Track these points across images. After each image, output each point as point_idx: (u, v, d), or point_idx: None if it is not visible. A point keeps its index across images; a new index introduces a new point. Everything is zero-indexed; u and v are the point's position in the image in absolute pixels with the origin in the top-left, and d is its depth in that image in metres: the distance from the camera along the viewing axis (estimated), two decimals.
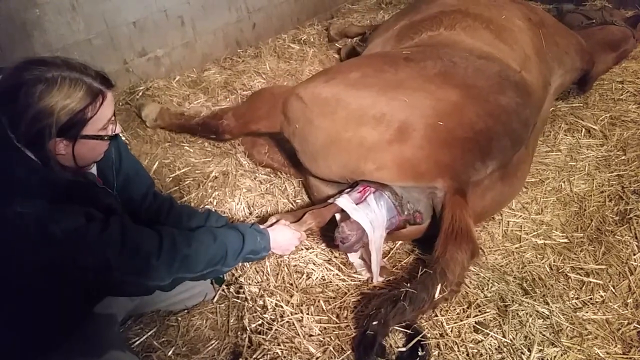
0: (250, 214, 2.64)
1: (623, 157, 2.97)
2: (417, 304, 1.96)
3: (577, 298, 2.21)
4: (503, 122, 2.29)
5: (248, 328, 1.96)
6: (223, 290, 2.15)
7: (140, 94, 3.63)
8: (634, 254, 2.36)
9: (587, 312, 2.15)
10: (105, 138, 1.57)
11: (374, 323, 1.88)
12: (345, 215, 2.21)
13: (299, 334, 1.96)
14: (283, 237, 2.06)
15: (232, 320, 2.04)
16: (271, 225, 2.11)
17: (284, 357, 1.86)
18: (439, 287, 1.97)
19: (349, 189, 2.34)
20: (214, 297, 2.16)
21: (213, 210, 2.22)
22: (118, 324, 1.89)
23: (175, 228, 1.75)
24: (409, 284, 1.97)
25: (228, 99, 3.69)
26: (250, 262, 2.21)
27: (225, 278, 2.20)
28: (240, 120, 2.91)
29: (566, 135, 3.19)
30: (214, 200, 2.66)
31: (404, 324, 2.01)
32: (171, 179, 2.88)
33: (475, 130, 2.22)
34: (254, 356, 1.87)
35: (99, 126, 1.52)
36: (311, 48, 4.41)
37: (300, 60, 4.20)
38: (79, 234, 1.46)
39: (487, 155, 2.27)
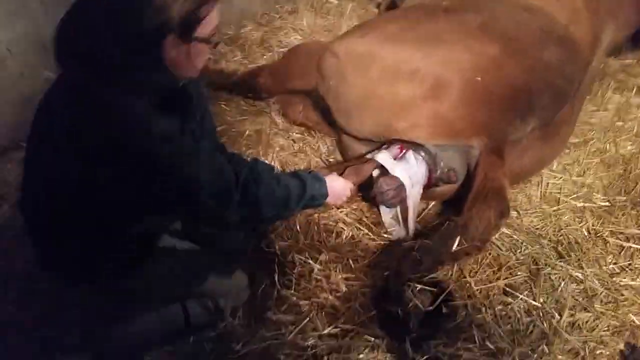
0: (283, 172, 2.66)
1: None
2: (433, 255, 1.95)
3: (614, 263, 2.15)
4: (545, 79, 2.19)
5: (277, 282, 2.01)
6: (255, 245, 2.20)
7: None
8: None
9: (624, 278, 2.10)
10: (214, 42, 1.51)
11: (386, 273, 1.89)
12: (384, 171, 2.19)
13: (325, 290, 2.00)
14: (337, 185, 1.99)
15: (260, 273, 2.09)
16: None
17: (310, 311, 1.90)
18: (457, 239, 1.95)
19: (386, 146, 2.31)
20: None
21: (260, 159, 2.24)
22: None
23: None
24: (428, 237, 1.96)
25: (265, 57, 3.66)
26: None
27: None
28: (277, 77, 2.90)
29: (615, 94, 3.02)
30: (249, 159, 2.68)
31: (430, 281, 2.02)
32: None
33: (515, 86, 2.13)
34: (281, 309, 1.92)
35: (209, 30, 1.44)
36: (350, 2, 4.28)
37: (338, 15, 4.09)
38: (176, 142, 1.45)
39: (527, 113, 2.19)
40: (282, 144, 2.81)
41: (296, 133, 2.91)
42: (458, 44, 2.19)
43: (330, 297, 1.97)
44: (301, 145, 2.82)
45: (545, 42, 2.26)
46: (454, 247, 1.91)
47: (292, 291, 1.98)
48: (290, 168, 2.67)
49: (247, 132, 2.91)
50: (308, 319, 1.88)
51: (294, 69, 2.79)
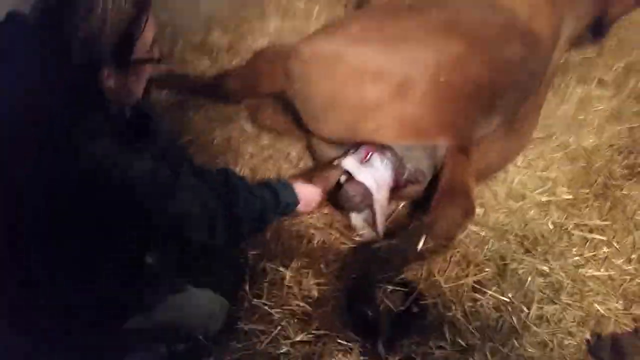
0: (254, 180, 2.66)
1: (636, 109, 2.87)
2: (400, 255, 1.97)
3: (579, 255, 2.20)
4: (508, 76, 2.22)
5: (247, 292, 2.01)
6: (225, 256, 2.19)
7: None
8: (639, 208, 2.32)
9: (589, 269, 2.15)
10: (155, 59, 1.43)
11: (353, 276, 1.91)
12: (350, 177, 2.21)
13: (297, 297, 2.01)
14: (307, 192, 1.98)
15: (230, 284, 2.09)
16: None
17: (282, 319, 1.91)
18: (423, 238, 1.98)
19: (353, 150, 2.33)
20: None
21: (230, 170, 2.23)
22: None
23: None
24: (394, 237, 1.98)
25: (233, 63, 3.64)
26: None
27: None
28: (244, 81, 2.88)
29: (576, 87, 3.08)
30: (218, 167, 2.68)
31: (399, 282, 2.05)
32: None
33: (479, 84, 2.16)
34: (252, 319, 1.92)
35: (145, 48, 1.36)
36: (317, 5, 4.29)
37: (305, 18, 4.09)
38: (155, 177, 1.38)
39: (491, 111, 2.22)
40: (251, 151, 2.80)
41: (265, 140, 2.91)
42: (422, 42, 2.21)
43: (302, 303, 1.98)
44: (271, 151, 2.82)
45: (508, 39, 2.29)
46: (420, 246, 1.93)
47: (264, 300, 1.98)
48: (261, 175, 2.67)
49: (215, 140, 2.90)
50: (280, 327, 1.88)
51: (261, 72, 2.78)
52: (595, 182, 2.51)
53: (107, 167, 1.30)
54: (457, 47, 2.19)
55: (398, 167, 2.22)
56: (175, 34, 3.85)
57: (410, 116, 2.15)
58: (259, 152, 2.82)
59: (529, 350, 1.91)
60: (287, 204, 1.81)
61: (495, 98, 2.21)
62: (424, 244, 1.94)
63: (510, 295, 2.06)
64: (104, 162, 1.29)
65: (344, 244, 2.31)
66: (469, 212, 2.07)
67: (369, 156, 2.23)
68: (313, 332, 1.88)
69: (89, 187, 1.31)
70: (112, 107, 1.37)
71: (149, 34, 1.37)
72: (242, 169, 2.69)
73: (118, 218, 1.39)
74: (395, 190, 2.31)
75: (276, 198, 1.74)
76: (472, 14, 2.36)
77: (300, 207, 1.94)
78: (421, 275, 2.12)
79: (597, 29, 3.33)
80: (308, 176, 2.24)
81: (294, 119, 2.82)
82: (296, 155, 2.82)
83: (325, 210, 2.46)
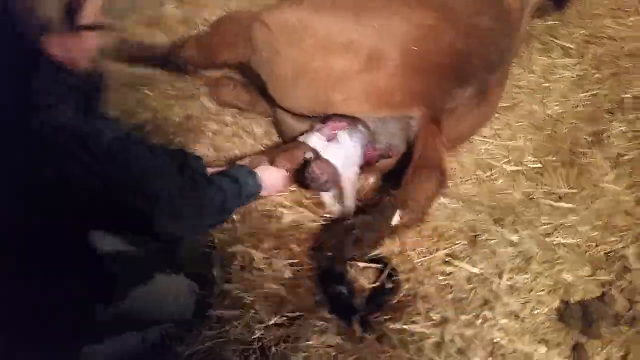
0: (218, 158, 2.57)
1: (597, 76, 2.89)
2: (374, 231, 1.95)
3: (548, 224, 2.21)
4: (480, 46, 2.20)
5: (216, 276, 1.95)
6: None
7: None
8: (605, 175, 2.35)
9: (557, 237, 2.16)
10: (100, 27, 1.40)
11: (329, 254, 1.87)
12: (317, 154, 2.14)
13: (268, 279, 1.95)
14: (270, 175, 1.98)
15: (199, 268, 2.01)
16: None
17: (254, 303, 1.86)
18: (397, 213, 1.95)
19: (320, 125, 2.26)
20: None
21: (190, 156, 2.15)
22: None
23: None
24: (367, 213, 1.95)
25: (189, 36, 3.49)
26: None
27: None
28: (203, 50, 2.75)
29: (541, 56, 3.08)
30: (179, 146, 2.56)
31: (372, 258, 2.02)
32: (132, 125, 2.75)
33: (451, 54, 2.13)
34: (224, 304, 1.86)
35: (92, 14, 1.34)
36: None
37: None
38: (121, 147, 1.35)
39: (464, 81, 2.20)
40: (214, 129, 2.70)
41: (228, 116, 2.81)
42: (393, 12, 2.15)
43: (274, 285, 1.93)
44: (234, 128, 2.72)
45: (479, 9, 2.26)
46: (394, 221, 1.90)
47: (234, 284, 1.92)
48: (225, 153, 2.58)
49: (175, 119, 2.78)
50: (253, 311, 1.83)
51: (222, 40, 2.65)
52: (561, 149, 2.52)
53: (74, 135, 1.26)
54: (428, 17, 2.15)
55: (371, 142, 2.18)
56: (125, 8, 3.65)
57: (381, 86, 2.11)
58: (221, 130, 2.72)
59: (501, 321, 1.92)
60: (249, 192, 1.79)
61: (467, 68, 2.18)
62: (398, 218, 1.90)
63: (481, 266, 2.06)
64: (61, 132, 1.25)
65: (314, 221, 2.26)
66: (442, 185, 2.05)
67: (336, 133, 2.16)
68: (287, 314, 1.85)
69: (53, 160, 1.28)
70: (65, 75, 1.32)
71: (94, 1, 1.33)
72: (207, 149, 2.58)
73: (85, 193, 1.35)
74: (368, 165, 2.27)
75: (238, 187, 1.72)
76: None
77: (265, 192, 1.92)
78: (394, 251, 2.10)
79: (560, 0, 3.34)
80: (272, 156, 2.18)
81: (258, 92, 2.73)
82: (262, 131, 2.74)
83: (294, 188, 2.40)
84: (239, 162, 2.14)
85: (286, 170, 2.14)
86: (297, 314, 1.87)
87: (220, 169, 2.08)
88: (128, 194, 1.41)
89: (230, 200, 1.67)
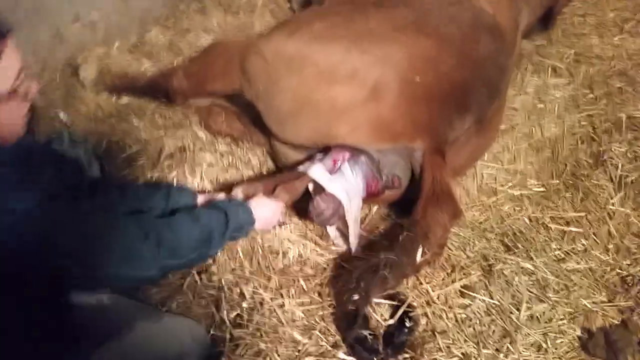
0: (214, 191, 2.45)
1: (591, 96, 2.91)
2: (399, 270, 1.87)
3: (559, 249, 2.19)
4: (480, 73, 2.16)
5: (227, 321, 1.83)
6: (195, 281, 1.99)
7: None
8: (611, 198, 2.33)
9: (570, 263, 2.13)
10: (25, 89, 1.31)
11: (355, 297, 1.79)
12: (319, 187, 2.06)
13: (281, 322, 1.85)
14: (265, 209, 1.88)
15: (207, 313, 1.90)
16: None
17: (269, 350, 1.74)
18: (420, 250, 1.89)
19: (320, 156, 2.17)
20: None
21: (174, 186, 2.05)
22: None
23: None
24: (388, 251, 1.87)
25: (175, 62, 3.38)
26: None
27: None
28: (193, 79, 2.64)
29: (532, 76, 3.09)
30: (174, 180, 2.44)
31: (388, 294, 1.94)
32: (122, 159, 2.62)
33: (453, 84, 2.08)
34: (236, 352, 1.74)
35: (9, 79, 1.26)
36: None
37: (249, 12, 3.87)
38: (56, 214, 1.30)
39: (465, 110, 2.15)
40: (209, 160, 2.58)
41: (223, 146, 2.70)
42: (393, 42, 2.09)
43: (287, 329, 1.82)
44: (230, 159, 2.61)
45: (477, 35, 2.23)
46: (418, 258, 1.83)
47: (246, 330, 1.80)
48: (223, 187, 2.46)
49: (167, 150, 2.65)
50: (268, 358, 1.72)
51: (213, 69, 2.56)
52: (564, 172, 2.51)
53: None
54: (428, 45, 2.11)
55: (375, 173, 2.11)
56: (108, 35, 3.53)
57: (385, 118, 2.04)
58: (217, 161, 2.60)
59: (524, 353, 1.86)
60: (239, 226, 1.73)
61: (469, 96, 2.14)
62: (421, 255, 1.83)
63: (498, 297, 2.00)
64: None
65: (321, 255, 2.18)
66: (456, 215, 1.99)
67: (338, 164, 2.09)
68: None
69: None
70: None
71: (11, 61, 1.26)
72: (201, 180, 2.47)
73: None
74: (372, 197, 2.20)
75: (225, 221, 1.67)
76: (439, 12, 2.27)
77: (259, 227, 1.86)
78: (407, 284, 2.02)
79: (546, 20, 3.36)
80: (270, 186, 2.08)
81: (252, 121, 2.64)
82: (258, 162, 2.64)
83: (296, 219, 2.31)
84: (234, 191, 2.04)
85: (285, 202, 2.05)
86: (314, 358, 1.76)
87: (213, 198, 2.03)
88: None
89: (217, 234, 1.63)
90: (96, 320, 1.54)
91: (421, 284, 2.03)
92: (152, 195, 1.87)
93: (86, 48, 3.35)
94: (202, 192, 2.23)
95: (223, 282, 1.96)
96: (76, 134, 2.55)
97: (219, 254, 2.04)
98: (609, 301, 2.01)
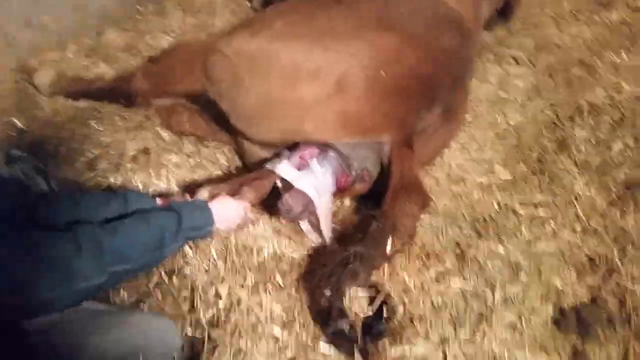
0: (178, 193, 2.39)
1: (552, 83, 2.98)
2: (370, 262, 1.88)
3: (529, 232, 2.22)
4: (445, 65, 2.19)
5: (204, 321, 1.78)
6: (165, 284, 1.93)
7: None
8: (577, 181, 2.39)
9: (540, 246, 2.17)
10: None
11: (327, 292, 1.78)
12: (288, 184, 2.04)
13: (260, 320, 1.81)
14: (227, 208, 1.87)
15: (181, 315, 1.84)
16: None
17: (249, 349, 1.71)
18: (390, 240, 1.90)
19: (288, 152, 2.15)
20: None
21: (131, 191, 2.03)
22: None
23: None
24: (359, 243, 1.87)
25: (133, 63, 3.28)
26: (194, 243, 2.01)
27: None
28: (154, 80, 2.60)
29: (494, 66, 3.15)
30: (140, 184, 2.37)
31: (363, 284, 1.93)
32: (83, 164, 2.52)
33: (418, 76, 2.10)
34: (215, 353, 1.70)
35: None
36: None
37: (209, 12, 3.81)
38: None
39: (432, 102, 2.18)
40: (175, 161, 2.51)
41: (189, 146, 2.64)
42: (355, 37, 2.10)
43: (267, 325, 1.79)
44: (197, 159, 2.55)
45: (440, 28, 2.26)
46: (388, 249, 1.83)
47: (224, 330, 1.76)
48: (190, 187, 2.40)
49: (130, 153, 2.57)
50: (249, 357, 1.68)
51: (174, 70, 2.52)
52: (530, 158, 2.56)
53: None
54: (392, 39, 2.12)
55: (343, 167, 2.10)
56: (62, 38, 3.40)
57: (352, 112, 2.06)
58: (183, 162, 2.54)
59: (500, 334, 1.88)
60: (195, 226, 1.73)
61: (434, 88, 2.17)
62: (391, 245, 1.83)
63: (473, 282, 2.02)
64: None
65: (295, 250, 2.16)
66: (425, 204, 2.02)
67: (307, 160, 2.07)
68: (287, 355, 1.71)
69: None
70: None
71: None
72: (168, 183, 2.40)
73: None
74: (342, 191, 2.19)
75: (179, 222, 1.66)
76: (402, 5, 2.29)
77: (220, 226, 1.84)
78: (383, 274, 2.02)
79: (505, 12, 3.44)
80: (236, 186, 2.05)
81: (216, 119, 2.59)
82: (226, 160, 2.60)
83: (268, 216, 2.27)
84: (199, 192, 2.00)
85: (252, 201, 2.02)
86: (295, 354, 1.74)
87: (172, 200, 2.00)
88: None
89: (169, 236, 1.63)
90: (47, 343, 1.46)
91: (397, 273, 2.03)
92: (107, 203, 1.80)
93: (39, 52, 3.24)
94: (162, 195, 2.17)
95: (197, 283, 1.90)
96: (13, 149, 2.42)
97: (191, 255, 1.99)
98: (579, 280, 2.05)
